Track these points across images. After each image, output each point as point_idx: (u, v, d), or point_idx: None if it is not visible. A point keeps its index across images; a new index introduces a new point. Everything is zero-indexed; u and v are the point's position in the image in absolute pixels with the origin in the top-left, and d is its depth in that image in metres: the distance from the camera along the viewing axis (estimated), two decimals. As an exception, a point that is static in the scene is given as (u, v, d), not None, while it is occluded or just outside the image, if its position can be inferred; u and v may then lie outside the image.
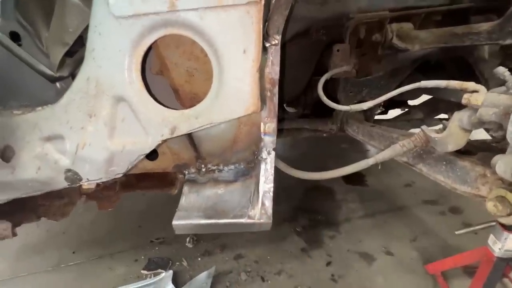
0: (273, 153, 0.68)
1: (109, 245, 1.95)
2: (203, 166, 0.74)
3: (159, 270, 1.69)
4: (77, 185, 0.65)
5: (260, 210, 0.65)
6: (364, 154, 3.09)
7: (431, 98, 1.81)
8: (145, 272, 1.70)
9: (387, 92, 0.90)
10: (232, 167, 0.73)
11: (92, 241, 2.00)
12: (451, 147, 0.76)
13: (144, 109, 0.58)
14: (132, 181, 0.89)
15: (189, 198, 0.71)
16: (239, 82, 0.56)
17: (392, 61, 1.32)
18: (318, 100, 1.94)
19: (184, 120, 0.59)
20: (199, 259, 1.77)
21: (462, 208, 2.06)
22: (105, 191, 0.87)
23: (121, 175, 0.65)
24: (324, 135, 1.65)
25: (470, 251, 1.35)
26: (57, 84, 0.66)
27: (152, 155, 0.74)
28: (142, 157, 0.63)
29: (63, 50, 0.60)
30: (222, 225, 0.66)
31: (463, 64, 1.31)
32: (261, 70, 0.58)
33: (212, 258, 1.77)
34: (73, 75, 0.63)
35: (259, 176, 0.67)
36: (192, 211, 0.68)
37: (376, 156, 0.90)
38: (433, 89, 1.51)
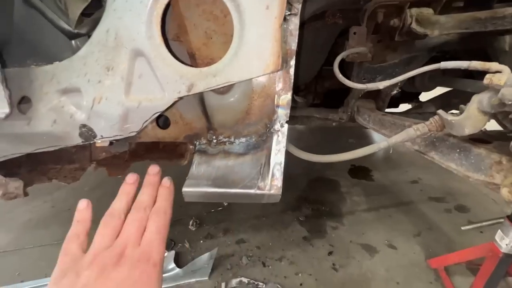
0: (286, 125, 0.67)
1: (113, 223, 1.97)
2: (214, 137, 0.74)
3: (162, 250, 1.71)
4: (91, 142, 0.65)
5: (270, 181, 0.65)
6: (370, 150, 3.06)
7: (444, 92, 1.77)
8: (147, 251, 1.71)
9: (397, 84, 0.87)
10: (243, 139, 0.73)
11: (96, 219, 2.02)
12: (469, 130, 0.74)
13: (162, 65, 0.57)
14: (142, 151, 0.89)
15: (199, 167, 0.71)
16: (260, 39, 0.54)
17: (408, 49, 1.29)
18: (328, 90, 1.93)
19: (202, 78, 0.58)
20: (201, 241, 1.79)
21: (469, 207, 2.04)
22: (115, 159, 0.87)
23: (135, 133, 0.64)
24: (334, 124, 1.63)
25: (476, 247, 1.33)
26: (73, 45, 0.66)
27: (164, 123, 0.74)
28: (157, 114, 0.63)
29: (82, 6, 0.60)
30: (231, 195, 0.65)
31: (479, 59, 1.27)
32: (283, 30, 0.57)
33: (214, 241, 1.78)
34: (89, 36, 0.62)
35: (270, 148, 0.66)
36: (201, 179, 0.68)
37: (388, 140, 0.88)
38: (450, 79, 1.48)
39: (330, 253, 1.67)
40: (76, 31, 0.60)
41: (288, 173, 2.05)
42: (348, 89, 1.55)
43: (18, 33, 0.65)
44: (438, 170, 2.67)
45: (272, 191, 0.64)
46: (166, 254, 1.63)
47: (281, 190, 0.65)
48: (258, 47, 0.55)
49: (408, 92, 1.88)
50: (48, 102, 0.62)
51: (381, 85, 0.83)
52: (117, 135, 0.64)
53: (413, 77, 1.57)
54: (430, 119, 0.88)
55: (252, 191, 0.65)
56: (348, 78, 1.38)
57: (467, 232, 1.77)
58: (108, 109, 0.60)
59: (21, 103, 0.64)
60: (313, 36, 1.30)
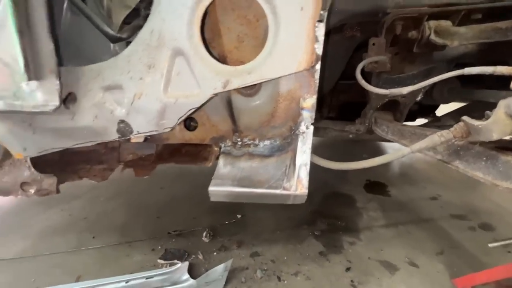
0: (311, 127, 0.68)
1: (127, 233, 1.98)
2: (239, 139, 0.75)
3: (175, 261, 1.69)
4: (127, 137, 0.68)
5: (296, 182, 0.65)
6: (386, 165, 3.01)
7: (462, 106, 1.75)
8: (161, 261, 1.70)
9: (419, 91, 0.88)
10: (267, 142, 0.74)
11: (111, 229, 2.04)
12: (496, 135, 0.73)
13: (200, 62, 0.61)
14: (166, 154, 0.91)
15: (224, 168, 0.72)
16: (294, 39, 0.57)
17: (426, 61, 1.30)
18: (343, 103, 1.94)
19: (237, 75, 0.61)
20: (215, 253, 1.76)
21: (494, 225, 1.94)
22: (141, 161, 0.89)
23: (169, 129, 0.67)
24: (351, 136, 1.62)
25: (506, 265, 1.26)
26: (111, 48, 0.71)
27: (192, 125, 0.76)
28: (192, 111, 0.65)
29: (125, 13, 0.65)
30: (257, 195, 0.66)
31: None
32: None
33: (228, 253, 1.75)
34: (127, 42, 0.67)
35: (295, 150, 0.67)
36: (227, 180, 0.69)
37: (412, 146, 0.88)
38: (470, 91, 1.47)
39: (347, 269, 1.61)
40: (118, 35, 0.65)
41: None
42: (364, 102, 1.56)
43: (65, 37, 0.70)
44: (457, 187, 2.58)
45: (298, 192, 0.64)
46: (179, 264, 1.61)
47: (307, 191, 0.65)
48: (292, 46, 0.58)
49: (425, 106, 1.87)
50: (92, 98, 0.66)
51: (405, 90, 0.84)
52: (152, 131, 0.66)
53: (431, 89, 1.57)
54: (455, 125, 0.87)
55: (277, 191, 0.65)
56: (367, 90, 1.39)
57: (493, 251, 1.68)
58: (147, 105, 0.63)
59: (67, 99, 0.68)
60: (331, 48, 1.34)
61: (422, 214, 2.11)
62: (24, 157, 0.72)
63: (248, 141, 0.75)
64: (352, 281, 1.53)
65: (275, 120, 0.71)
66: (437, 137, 0.86)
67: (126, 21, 0.72)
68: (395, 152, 0.91)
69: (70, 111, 0.68)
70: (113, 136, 0.68)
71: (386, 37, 1.16)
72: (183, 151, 0.97)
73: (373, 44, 1.14)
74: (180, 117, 0.65)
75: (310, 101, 0.67)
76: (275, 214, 2.15)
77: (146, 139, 0.70)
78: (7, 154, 0.78)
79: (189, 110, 0.65)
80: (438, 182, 2.54)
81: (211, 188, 0.69)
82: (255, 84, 0.67)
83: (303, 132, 0.68)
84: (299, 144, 0.67)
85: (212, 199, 0.70)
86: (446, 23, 1.09)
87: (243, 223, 2.05)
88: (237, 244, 1.82)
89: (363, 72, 1.21)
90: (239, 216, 2.13)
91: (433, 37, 1.08)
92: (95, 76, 0.65)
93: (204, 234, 1.92)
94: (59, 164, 0.85)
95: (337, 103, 1.89)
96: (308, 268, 1.61)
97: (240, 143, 0.75)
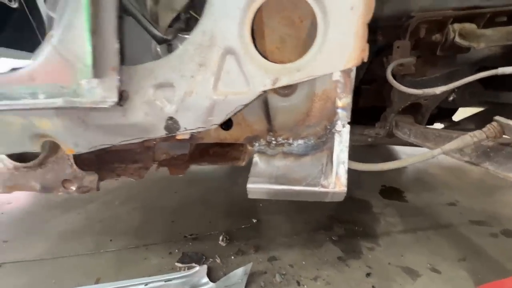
0: (347, 126, 0.69)
1: (143, 236, 1.99)
2: (273, 139, 0.76)
3: (193, 264, 1.69)
4: (174, 134, 0.69)
5: (335, 180, 0.65)
6: (400, 170, 2.98)
7: (483, 110, 1.74)
8: (179, 264, 1.70)
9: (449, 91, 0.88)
10: (301, 141, 0.75)
11: (128, 232, 2.05)
12: (534, 135, 0.73)
13: (249, 61, 0.63)
14: (197, 155, 0.92)
15: (260, 167, 0.73)
16: (343, 36, 0.59)
17: (449, 64, 1.30)
18: (361, 108, 1.94)
19: (286, 73, 0.62)
20: (233, 257, 1.75)
21: (517, 232, 1.90)
22: (174, 160, 0.91)
23: (216, 126, 0.68)
24: (370, 139, 1.62)
25: (535, 272, 1.23)
26: (153, 50, 0.73)
27: (227, 125, 0.77)
28: (240, 107, 0.66)
29: (172, 16, 0.68)
30: (295, 192, 0.66)
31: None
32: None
33: (245, 257, 1.75)
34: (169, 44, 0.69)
35: (331, 148, 0.68)
36: (264, 177, 0.70)
37: (443, 147, 0.87)
38: (493, 93, 1.46)
39: (368, 274, 1.59)
40: (164, 37, 0.68)
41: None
42: (382, 106, 1.56)
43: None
44: (475, 192, 2.54)
45: (336, 189, 0.65)
46: (198, 268, 1.61)
47: (346, 188, 0.65)
48: (341, 44, 0.59)
49: (444, 110, 1.85)
50: (144, 95, 0.68)
51: (438, 90, 0.84)
52: (200, 127, 0.68)
53: (452, 92, 1.56)
54: (487, 126, 0.87)
55: (316, 188, 0.65)
56: (388, 93, 1.39)
57: (519, 257, 1.64)
58: (197, 102, 0.65)
59: (120, 97, 0.70)
60: None
61: (441, 220, 2.07)
62: (69, 155, 0.74)
63: (282, 140, 0.75)
64: (373, 286, 1.50)
65: (310, 120, 0.72)
66: (469, 137, 0.85)
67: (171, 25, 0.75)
68: (425, 153, 0.91)
69: (122, 108, 0.70)
70: (160, 133, 0.70)
71: (409, 41, 1.17)
72: (210, 152, 0.98)
73: (398, 47, 1.15)
74: (228, 114, 0.67)
75: (346, 100, 0.68)
76: (290, 218, 2.15)
77: (192, 136, 0.71)
78: (52, 151, 0.80)
79: (238, 107, 0.66)
80: (455, 188, 2.50)
81: (249, 186, 0.69)
82: (293, 84, 0.68)
83: (340, 131, 0.69)
84: (336, 142, 0.68)
85: (250, 196, 0.71)
86: (470, 26, 1.10)
87: (259, 228, 2.04)
88: (254, 248, 1.82)
89: (378, 77, 1.22)
90: (254, 220, 2.12)
91: (458, 39, 1.08)
92: (148, 74, 0.67)
93: (221, 238, 1.91)
94: (95, 164, 0.87)
95: (355, 108, 1.89)
96: (328, 273, 1.59)
97: (274, 142, 0.76)
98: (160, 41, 0.69)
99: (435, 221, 2.05)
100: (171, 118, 0.68)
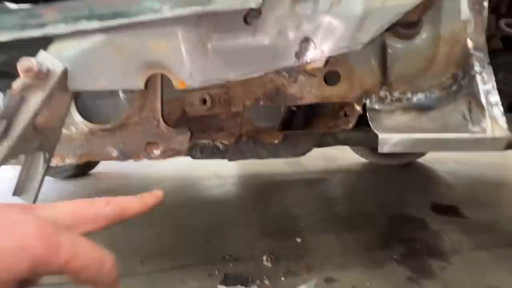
0: (488, 66, 0.57)
1: (177, 258, 1.78)
2: (388, 93, 0.64)
3: (238, 286, 1.47)
4: (305, 61, 0.58)
5: (491, 124, 0.51)
6: (448, 187, 2.75)
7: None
8: (223, 287, 1.48)
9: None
10: (421, 95, 0.62)
11: (159, 253, 1.86)
12: None
13: None
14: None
15: (381, 122, 0.59)
16: None
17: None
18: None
19: None
20: (283, 278, 1.52)
21: None
22: (264, 131, 0.78)
23: (361, 46, 0.56)
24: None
25: None
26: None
27: (333, 80, 0.66)
28: (398, 17, 0.55)
29: None
30: (441, 141, 0.52)
31: None
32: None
33: (297, 278, 1.51)
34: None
35: (475, 92, 0.55)
36: (392, 131, 0.56)
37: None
38: None
39: (450, 297, 1.33)
40: None
41: (362, 210, 1.86)
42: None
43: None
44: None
45: (496, 134, 0.50)
46: (247, 290, 1.39)
47: (508, 134, 0.51)
48: None
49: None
50: (278, 10, 0.57)
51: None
52: (343, 47, 0.56)
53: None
54: None
55: (471, 135, 0.51)
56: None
57: None
58: (347, 11, 0.54)
59: (249, 14, 0.61)
60: None
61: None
62: (155, 112, 0.63)
63: (398, 95, 0.64)
64: (462, 311, 1.24)
65: (433, 68, 0.61)
66: None
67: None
68: None
69: (251, 27, 0.59)
70: (289, 61, 0.58)
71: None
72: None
73: None
74: (381, 28, 0.56)
75: (480, 40, 0.58)
76: (338, 238, 1.92)
77: (327, 61, 0.58)
78: (139, 109, 0.69)
79: (397, 14, 0.55)
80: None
81: (382, 136, 0.55)
82: (418, 22, 0.58)
83: (481, 72, 0.57)
84: (480, 84, 0.56)
85: (381, 149, 0.56)
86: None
87: (305, 247, 1.82)
88: (306, 268, 1.58)
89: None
90: (298, 240, 1.91)
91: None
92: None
93: (265, 258, 1.69)
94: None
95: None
96: (401, 296, 1.34)
97: (389, 98, 0.64)
98: None
99: (508, 238, 1.80)
100: (306, 39, 0.57)
